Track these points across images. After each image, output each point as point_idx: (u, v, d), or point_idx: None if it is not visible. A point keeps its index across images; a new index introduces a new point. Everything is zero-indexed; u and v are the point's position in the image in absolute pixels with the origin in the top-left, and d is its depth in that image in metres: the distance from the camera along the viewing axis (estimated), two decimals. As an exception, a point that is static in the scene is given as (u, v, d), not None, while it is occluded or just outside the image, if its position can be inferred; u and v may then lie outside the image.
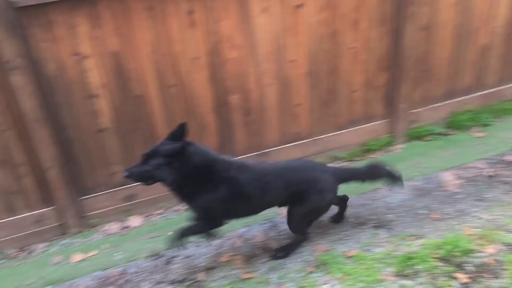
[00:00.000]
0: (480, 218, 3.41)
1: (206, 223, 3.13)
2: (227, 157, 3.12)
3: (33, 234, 3.86)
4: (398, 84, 4.37)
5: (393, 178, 3.36)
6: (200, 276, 3.23)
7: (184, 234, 3.13)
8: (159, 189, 3.34)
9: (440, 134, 4.70)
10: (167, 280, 3.26)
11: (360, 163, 4.38)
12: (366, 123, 4.54)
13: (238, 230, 3.66)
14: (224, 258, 3.38)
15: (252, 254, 3.39)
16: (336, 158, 4.50)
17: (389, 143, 4.61)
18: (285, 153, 4.31)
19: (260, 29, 3.80)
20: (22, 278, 3.52)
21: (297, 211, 3.17)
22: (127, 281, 3.32)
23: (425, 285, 2.85)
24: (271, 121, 4.20)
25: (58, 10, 3.29)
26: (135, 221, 3.98)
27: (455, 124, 4.75)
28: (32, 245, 3.87)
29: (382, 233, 3.39)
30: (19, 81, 3.32)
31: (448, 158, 4.30)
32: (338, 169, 3.60)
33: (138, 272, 3.39)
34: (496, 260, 2.97)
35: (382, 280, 2.93)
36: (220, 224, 3.15)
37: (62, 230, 3.92)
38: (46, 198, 3.78)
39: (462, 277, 2.86)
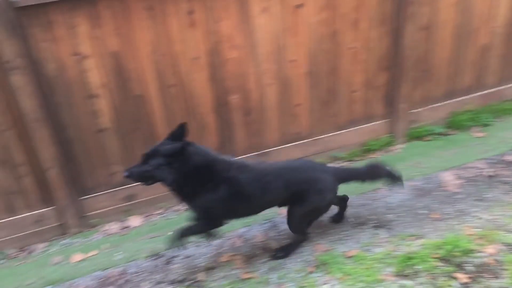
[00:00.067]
0: (480, 218, 3.41)
1: (206, 223, 3.13)
2: (227, 157, 3.12)
3: (33, 234, 3.86)
4: (398, 84, 4.37)
5: (393, 178, 3.36)
6: (200, 276, 3.23)
7: (184, 234, 3.13)
8: (159, 189, 3.34)
9: (440, 134, 4.70)
10: (167, 280, 3.26)
11: (360, 163, 4.38)
12: (366, 123, 4.54)
13: (238, 230, 3.66)
14: (224, 258, 3.38)
15: (252, 254, 3.39)
16: (336, 158, 4.50)
17: (389, 143, 4.61)
18: (285, 153, 4.31)
19: (260, 29, 3.80)
20: (22, 278, 3.52)
21: (297, 211, 3.17)
22: (127, 281, 3.32)
23: (425, 285, 2.85)
24: (271, 121, 4.20)
25: (58, 10, 3.29)
26: (135, 221, 3.98)
27: (455, 124, 4.75)
28: (32, 245, 3.87)
29: (382, 233, 3.39)
30: (19, 81, 3.32)
31: (448, 158, 4.30)
32: (338, 169, 3.60)
33: (138, 272, 3.39)
34: (496, 260, 2.97)
35: (382, 280, 2.94)
36: (220, 224, 3.15)
37: (62, 230, 3.92)
38: (46, 198, 3.78)
39: (462, 277, 2.86)
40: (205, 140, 4.02)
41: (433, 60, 4.50)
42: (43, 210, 3.83)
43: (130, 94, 3.69)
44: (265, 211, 3.31)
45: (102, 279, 3.37)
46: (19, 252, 3.83)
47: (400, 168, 4.01)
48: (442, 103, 4.72)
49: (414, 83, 4.45)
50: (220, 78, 3.87)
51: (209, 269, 3.30)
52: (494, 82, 4.90)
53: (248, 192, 3.00)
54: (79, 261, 3.62)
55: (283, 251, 3.32)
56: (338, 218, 3.58)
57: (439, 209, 3.58)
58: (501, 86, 4.94)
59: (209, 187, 2.93)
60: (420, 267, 2.98)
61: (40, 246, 3.87)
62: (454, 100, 4.76)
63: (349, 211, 3.63)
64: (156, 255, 3.51)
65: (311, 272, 3.11)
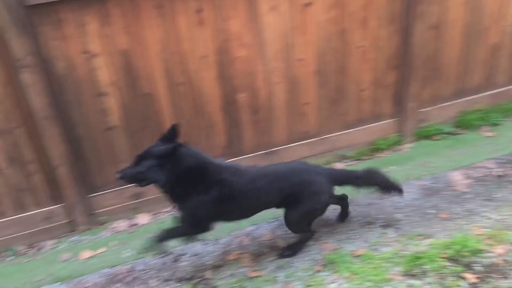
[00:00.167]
0: (489, 218, 3.39)
1: (193, 226, 3.11)
2: (219, 160, 3.13)
3: (42, 231, 3.89)
4: (407, 83, 4.35)
5: (391, 187, 3.36)
6: (208, 274, 3.24)
7: (166, 237, 3.12)
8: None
9: (449, 133, 4.68)
10: (174, 277, 3.28)
11: (367, 162, 4.38)
12: (375, 122, 4.52)
13: (246, 229, 3.66)
14: (231, 256, 3.39)
15: (260, 253, 3.39)
16: (344, 157, 4.50)
17: (397, 142, 4.59)
18: (293, 152, 4.31)
19: (269, 27, 3.80)
20: (31, 275, 3.55)
21: (293, 214, 3.16)
22: (135, 278, 3.34)
23: (433, 285, 2.84)
24: (279, 120, 4.20)
25: (68, 9, 3.31)
26: (143, 219, 4.00)
27: (464, 124, 4.72)
28: (41, 242, 3.90)
29: (390, 233, 3.39)
30: (29, 79, 3.34)
31: (457, 158, 4.28)
32: (333, 171, 3.57)
33: (146, 270, 3.41)
34: (505, 260, 2.96)
35: (390, 280, 2.93)
36: (207, 228, 3.12)
37: (71, 227, 3.95)
38: (55, 195, 3.81)
39: (471, 277, 2.85)
40: (213, 139, 4.04)
41: (442, 59, 4.47)
42: (52, 207, 3.86)
43: (139, 92, 3.70)
44: (269, 211, 3.32)
45: (110, 276, 3.39)
46: (28, 249, 3.86)
47: (408, 167, 4.02)
48: (451, 102, 4.69)
49: (423, 82, 4.43)
50: (228, 77, 3.87)
51: (216, 267, 3.31)
52: (504, 81, 4.86)
53: (240, 195, 2.99)
54: (88, 258, 3.64)
55: (291, 250, 3.32)
56: (343, 217, 3.58)
57: (448, 209, 3.56)
58: (511, 85, 4.90)
59: (201, 189, 2.92)
60: (428, 266, 2.97)
61: (49, 243, 3.90)
62: (463, 99, 4.73)
63: (357, 210, 3.63)
64: (164, 253, 3.51)
65: (318, 271, 3.12)
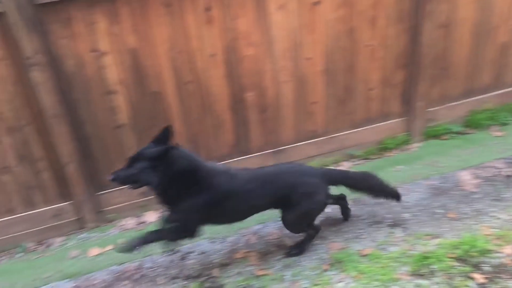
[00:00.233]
0: (498, 218, 3.37)
1: (181, 229, 3.08)
2: (211, 163, 3.12)
3: (51, 228, 3.92)
4: (416, 82, 4.33)
5: (387, 192, 3.36)
6: (215, 272, 3.25)
7: (149, 239, 3.08)
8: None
9: (457, 133, 4.65)
10: (182, 275, 3.29)
11: (376, 162, 4.37)
12: (383, 121, 4.51)
13: (253, 227, 3.67)
14: (238, 255, 3.39)
15: (267, 251, 3.40)
16: (352, 156, 4.49)
17: (405, 142, 4.57)
18: (301, 151, 4.30)
19: (277, 26, 3.80)
20: (40, 271, 3.57)
21: (289, 216, 3.15)
22: (142, 276, 3.35)
23: (441, 285, 2.83)
24: (287, 119, 4.20)
25: (77, 7, 3.33)
26: (151, 216, 4.01)
27: (473, 123, 4.69)
28: (50, 239, 3.94)
29: (398, 232, 3.38)
30: (39, 77, 3.37)
31: (465, 157, 4.25)
32: (327, 171, 3.52)
33: (153, 267, 3.42)
34: (513, 260, 2.94)
35: (397, 279, 2.92)
36: (195, 233, 3.09)
37: (80, 225, 3.98)
38: (64, 193, 3.84)
39: (479, 277, 2.83)
40: (221, 137, 4.05)
41: (451, 58, 4.44)
42: (61, 204, 3.89)
43: (147, 91, 3.72)
44: (276, 211, 3.30)
45: (118, 274, 3.41)
46: (37, 246, 3.89)
47: (416, 167, 4.00)
48: (460, 102, 4.67)
49: (431, 81, 4.41)
50: (236, 75, 3.87)
51: (223, 265, 3.32)
52: (513, 80, 4.83)
53: (232, 198, 2.98)
54: (96, 255, 3.67)
55: (297, 248, 3.32)
56: (345, 216, 3.58)
57: (456, 209, 3.55)
58: (521, 85, 4.87)
59: (193, 191, 2.92)
60: (436, 266, 2.96)
61: (58, 240, 3.92)
62: (472, 98, 4.70)
63: (364, 209, 3.63)
64: (171, 251, 3.52)
65: (325, 270, 3.11)
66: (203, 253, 3.49)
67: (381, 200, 3.44)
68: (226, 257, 3.40)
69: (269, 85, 4.00)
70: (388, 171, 4.14)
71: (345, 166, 4.38)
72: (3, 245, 3.86)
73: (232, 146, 4.13)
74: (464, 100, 4.67)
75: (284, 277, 3.12)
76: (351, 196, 3.50)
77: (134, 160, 2.88)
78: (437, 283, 2.84)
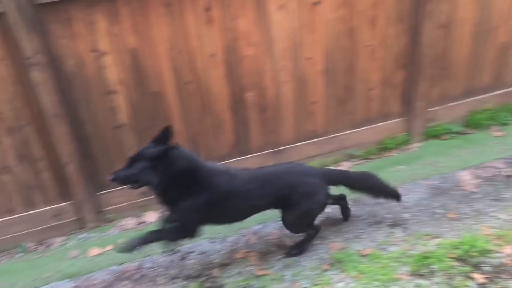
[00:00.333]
0: (498, 218, 3.37)
1: (181, 230, 3.07)
2: (211, 163, 3.12)
3: (51, 228, 3.92)
4: (416, 82, 4.33)
5: (387, 192, 3.36)
6: (215, 272, 3.25)
7: (149, 240, 3.08)
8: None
9: (457, 133, 4.65)
10: (182, 275, 3.29)
11: (375, 162, 4.38)
12: (383, 121, 4.50)
13: (253, 227, 3.67)
14: (239, 255, 3.40)
15: (267, 251, 3.40)
16: (352, 156, 4.49)
17: (405, 142, 4.57)
18: (301, 151, 4.31)
19: (277, 26, 3.80)
20: (40, 271, 3.58)
21: (289, 216, 3.15)
22: (142, 276, 3.36)
23: (441, 285, 2.83)
24: (287, 119, 4.20)
25: (77, 7, 3.33)
26: (151, 216, 4.01)
27: (473, 123, 4.69)
28: (50, 239, 3.94)
29: (398, 232, 3.38)
30: (39, 77, 3.37)
31: (465, 157, 4.25)
32: (327, 171, 3.52)
33: (153, 267, 3.42)
34: (513, 260, 2.94)
35: (397, 279, 2.92)
36: (195, 233, 3.09)
37: (80, 225, 3.98)
38: (64, 193, 3.84)
39: (479, 277, 2.83)
40: (221, 137, 4.05)
41: (451, 58, 4.44)
42: (61, 204, 3.89)
43: (147, 91, 3.72)
44: (276, 210, 3.30)
45: (118, 274, 3.41)
46: (37, 246, 3.90)
47: (416, 166, 4.00)
48: (460, 102, 4.66)
49: (431, 81, 4.41)
50: (236, 75, 3.87)
51: (223, 265, 3.32)
52: (513, 80, 4.83)
53: (231, 198, 2.98)
54: (96, 255, 3.67)
55: (297, 248, 3.32)
56: (345, 216, 3.58)
57: (456, 209, 3.55)
58: (521, 85, 4.87)
59: (193, 191, 2.92)
60: (436, 266, 2.96)
61: (58, 240, 3.93)
62: (472, 98, 4.69)
63: (364, 209, 3.63)
64: (171, 251, 3.53)
65: (325, 270, 3.11)
66: (203, 253, 3.49)
67: (381, 200, 3.44)
68: (226, 257, 3.40)
69: (269, 85, 4.00)
70: (388, 171, 4.14)
71: (345, 166, 4.38)
72: (3, 245, 3.86)
73: (232, 146, 4.13)
74: (464, 100, 4.67)
75: (284, 277, 3.12)
76: (351, 196, 3.51)
77: (134, 160, 2.88)
78: (437, 283, 2.84)
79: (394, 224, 3.47)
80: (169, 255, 3.51)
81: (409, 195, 3.77)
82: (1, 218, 3.81)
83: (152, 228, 3.36)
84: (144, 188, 3.86)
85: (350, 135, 4.44)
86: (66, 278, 3.45)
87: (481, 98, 4.72)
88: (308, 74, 4.06)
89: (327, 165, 4.35)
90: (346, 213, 3.58)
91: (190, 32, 3.62)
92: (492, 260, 2.96)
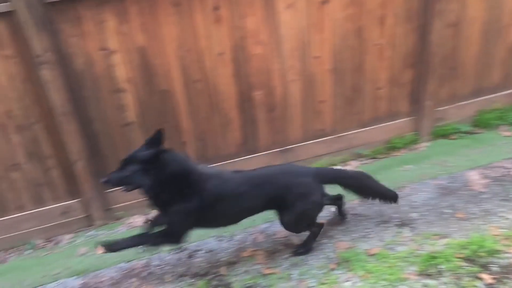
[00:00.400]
0: (507, 219, 3.35)
1: (170, 234, 3.07)
2: (203, 166, 3.12)
3: (60, 225, 3.95)
4: (424, 81, 4.32)
5: (383, 193, 3.35)
6: (222, 270, 3.26)
7: (131, 244, 3.09)
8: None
9: (466, 132, 4.63)
10: (189, 273, 3.30)
11: (383, 161, 4.36)
12: (391, 121, 4.49)
13: (260, 226, 3.67)
14: (246, 253, 3.40)
15: (274, 250, 3.40)
16: (360, 156, 4.48)
17: (414, 141, 4.56)
18: (309, 150, 4.30)
19: (285, 25, 3.80)
20: (49, 268, 3.60)
21: (286, 217, 3.14)
22: (150, 273, 3.37)
23: (449, 285, 2.82)
24: (295, 118, 4.19)
25: (86, 6, 3.35)
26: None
27: (482, 123, 4.66)
28: (59, 236, 3.97)
29: (406, 232, 3.37)
30: (49, 75, 3.39)
31: (474, 157, 4.23)
32: (320, 170, 3.52)
33: (161, 265, 3.44)
34: (522, 261, 2.93)
35: (405, 279, 2.91)
36: (182, 238, 3.07)
37: (88, 222, 4.00)
38: (73, 190, 3.87)
39: (487, 277, 2.82)
40: (229, 136, 4.06)
41: (460, 57, 4.42)
42: (69, 202, 3.92)
43: (155, 89, 3.73)
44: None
45: (126, 271, 3.43)
46: (46, 243, 3.93)
47: (424, 166, 3.98)
48: (469, 101, 4.64)
49: (440, 81, 4.38)
50: (244, 74, 3.88)
51: (231, 263, 3.33)
52: (523, 80, 4.79)
53: (223, 201, 2.98)
54: (104, 252, 3.68)
55: (304, 247, 3.32)
56: (342, 217, 3.57)
57: (464, 209, 3.53)
58: (531, 84, 4.83)
59: (185, 194, 2.91)
60: (444, 266, 2.95)
61: (67, 237, 3.95)
62: (481, 98, 4.67)
63: (372, 208, 3.62)
64: (179, 249, 3.54)
65: (332, 269, 3.11)
66: (210, 251, 3.50)
67: (376, 201, 3.40)
68: (233, 256, 3.41)
69: (277, 84, 4.00)
70: (396, 171, 4.14)
71: (352, 165, 4.37)
72: (12, 242, 3.89)
73: (240, 144, 4.14)
74: (473, 100, 4.65)
75: (291, 276, 3.12)
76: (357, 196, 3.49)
77: (126, 162, 2.89)
78: (445, 283, 2.83)
79: (402, 224, 3.46)
80: (177, 253, 3.52)
81: (417, 195, 3.76)
82: (11, 215, 3.85)
83: (138, 231, 3.34)
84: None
85: (358, 134, 4.43)
86: (75, 275, 3.48)
87: (490, 98, 4.69)
88: (316, 73, 4.05)
89: (335, 164, 4.35)
90: (342, 213, 3.57)
91: (199, 31, 3.63)
92: (501, 261, 2.94)
